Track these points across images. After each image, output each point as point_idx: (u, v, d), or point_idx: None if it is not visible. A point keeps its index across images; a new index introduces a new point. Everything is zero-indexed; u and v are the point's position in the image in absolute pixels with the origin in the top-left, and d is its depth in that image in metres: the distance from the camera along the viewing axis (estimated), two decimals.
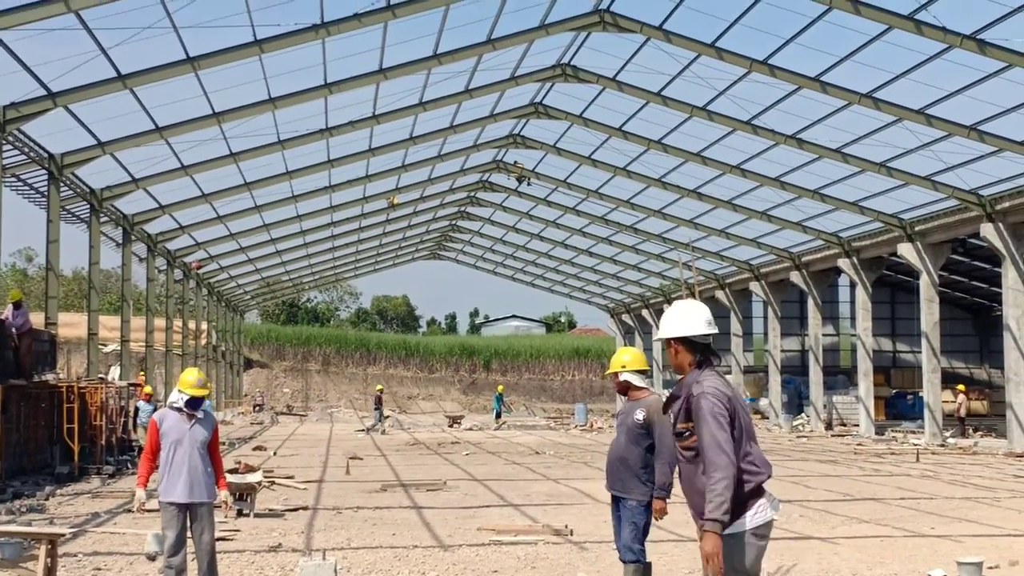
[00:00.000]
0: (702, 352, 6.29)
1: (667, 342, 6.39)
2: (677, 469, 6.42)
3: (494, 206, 59.22)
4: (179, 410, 10.60)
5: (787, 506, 19.53)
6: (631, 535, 9.33)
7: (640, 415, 9.53)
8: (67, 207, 35.40)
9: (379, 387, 58.67)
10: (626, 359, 9.89)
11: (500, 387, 56.19)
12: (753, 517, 5.99)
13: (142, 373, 35.03)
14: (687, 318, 6.33)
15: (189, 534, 10.57)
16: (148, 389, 31.88)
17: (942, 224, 39.35)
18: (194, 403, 10.61)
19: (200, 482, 10.46)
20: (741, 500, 5.94)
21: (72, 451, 26.09)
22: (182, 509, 10.41)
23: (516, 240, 66.62)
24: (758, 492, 6.05)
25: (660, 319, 6.52)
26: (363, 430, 50.05)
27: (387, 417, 52.97)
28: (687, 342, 6.29)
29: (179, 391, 10.62)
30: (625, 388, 9.86)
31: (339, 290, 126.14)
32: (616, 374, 9.89)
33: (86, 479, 25.21)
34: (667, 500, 9.48)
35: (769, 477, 6.17)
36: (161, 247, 48.05)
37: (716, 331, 6.42)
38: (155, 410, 27.16)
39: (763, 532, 6.05)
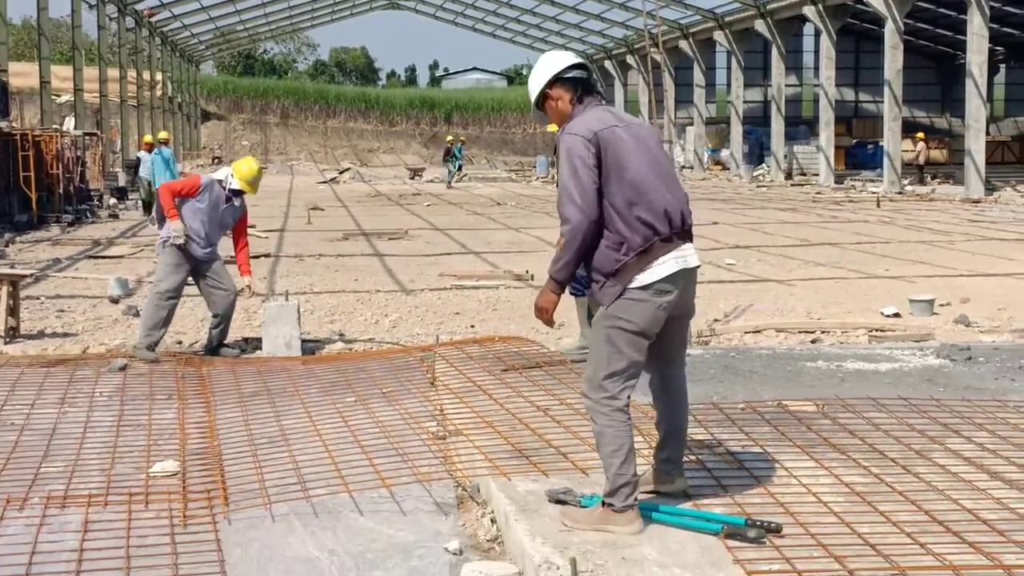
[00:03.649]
0: (580, 86, 5.42)
1: (543, 97, 5.47)
2: None
3: None
4: (224, 188, 10.48)
5: (745, 252, 19.79)
6: None
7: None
8: None
9: (449, 138, 55.17)
10: None
11: (449, 137, 53.34)
12: (643, 276, 5.14)
13: (148, 136, 34.48)
14: (550, 62, 5.47)
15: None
16: (148, 139, 31.45)
17: None
18: (239, 192, 10.56)
19: (214, 248, 10.53)
20: (628, 262, 5.13)
21: (30, 200, 25.89)
22: (190, 261, 10.40)
23: None
24: (657, 251, 5.17)
25: (531, 83, 5.54)
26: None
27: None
28: (561, 82, 5.41)
29: (232, 177, 10.48)
30: None
31: (296, 41, 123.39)
32: None
33: (45, 228, 25.15)
34: None
35: (669, 234, 5.21)
36: None
37: (585, 62, 5.55)
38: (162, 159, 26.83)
39: (659, 287, 5.15)
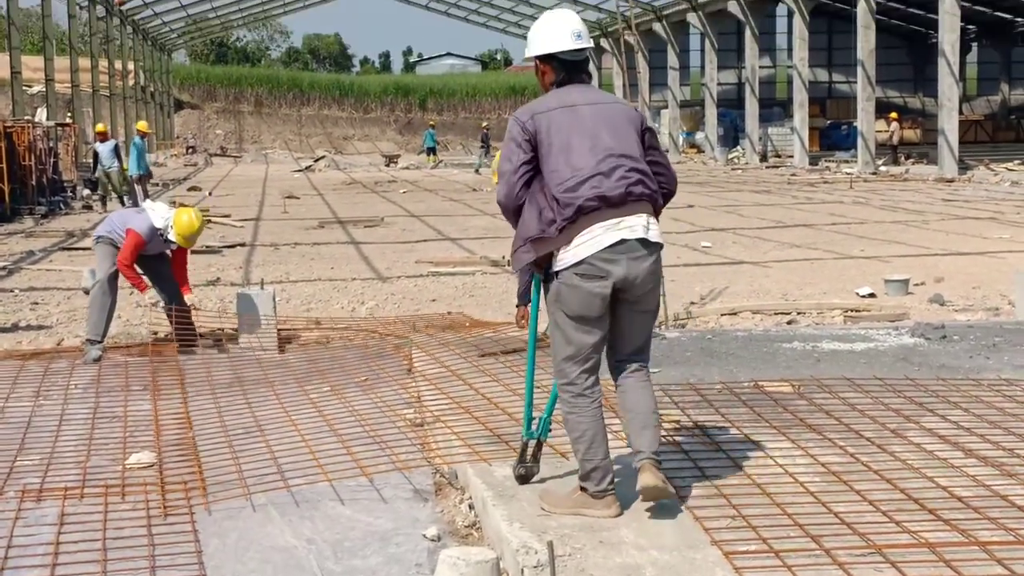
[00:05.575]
0: (569, 71, 5.15)
1: (535, 64, 5.23)
2: None
3: None
4: (161, 237, 10.00)
5: (720, 234, 19.82)
6: None
7: None
8: None
9: (484, 124, 56.50)
10: None
11: (432, 122, 54.93)
12: (567, 256, 4.93)
13: (100, 125, 34.08)
14: (552, 31, 5.14)
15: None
16: (101, 127, 31.14)
17: None
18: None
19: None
20: (548, 234, 4.95)
21: (2, 192, 25.68)
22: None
23: None
24: (581, 225, 4.92)
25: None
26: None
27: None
28: (554, 59, 5.14)
29: (171, 228, 9.91)
30: None
31: (269, 28, 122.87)
32: None
33: (18, 220, 24.97)
34: None
35: (599, 205, 4.92)
36: None
37: (589, 44, 5.21)
38: (115, 148, 26.65)
39: (587, 270, 4.88)
